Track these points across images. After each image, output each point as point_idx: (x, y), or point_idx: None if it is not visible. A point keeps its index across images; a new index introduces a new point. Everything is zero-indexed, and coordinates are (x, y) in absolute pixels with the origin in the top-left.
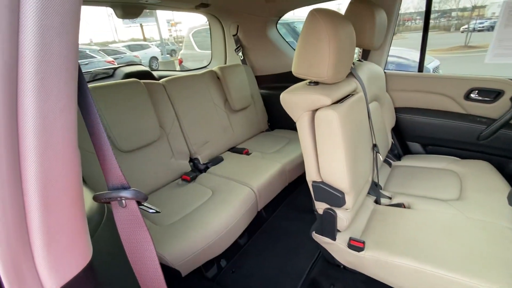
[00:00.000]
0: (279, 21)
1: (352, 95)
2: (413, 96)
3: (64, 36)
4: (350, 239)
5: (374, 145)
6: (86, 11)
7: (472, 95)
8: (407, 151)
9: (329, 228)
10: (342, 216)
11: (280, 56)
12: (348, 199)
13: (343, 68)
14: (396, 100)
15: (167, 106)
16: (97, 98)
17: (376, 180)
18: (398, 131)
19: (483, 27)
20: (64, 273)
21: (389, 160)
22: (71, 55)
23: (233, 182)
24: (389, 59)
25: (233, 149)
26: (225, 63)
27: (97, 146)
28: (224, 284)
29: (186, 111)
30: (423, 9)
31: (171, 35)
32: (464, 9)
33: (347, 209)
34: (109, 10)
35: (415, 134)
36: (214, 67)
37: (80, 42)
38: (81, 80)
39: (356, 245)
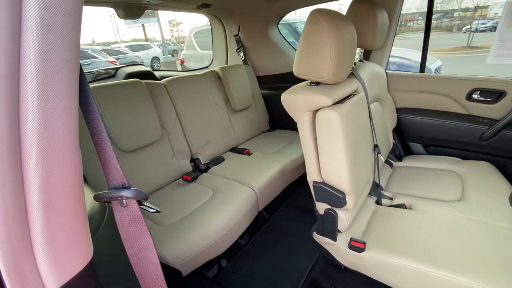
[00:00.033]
0: (280, 22)
1: (353, 95)
2: (414, 96)
3: (66, 37)
4: (351, 239)
5: (375, 146)
6: (89, 11)
7: (474, 95)
8: (408, 152)
9: (330, 228)
10: (343, 217)
11: (281, 56)
12: (349, 199)
13: (344, 69)
14: (397, 100)
15: (169, 106)
16: (99, 98)
17: (377, 181)
18: (399, 131)
19: (485, 27)
20: (65, 272)
21: (390, 160)
22: (72, 55)
23: (234, 182)
24: (391, 59)
25: (234, 149)
26: (227, 63)
27: (98, 146)
28: (224, 284)
29: (187, 111)
30: (425, 9)
31: (172, 36)
32: (466, 10)
33: (348, 210)
34: (111, 10)
35: (417, 135)
36: (216, 67)
37: (82, 42)
38: (82, 80)
39: (357, 246)
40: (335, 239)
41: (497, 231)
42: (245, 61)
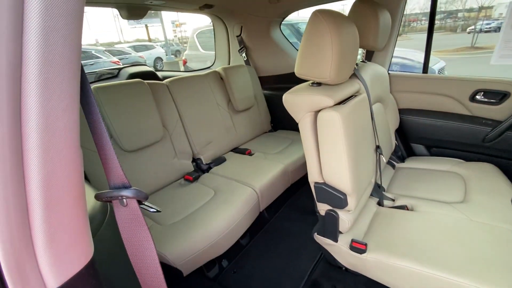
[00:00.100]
0: (283, 22)
1: (355, 96)
2: (417, 97)
3: (67, 37)
4: (352, 241)
5: (377, 147)
6: (93, 12)
7: (477, 96)
8: (411, 153)
9: (331, 229)
10: (344, 218)
11: (284, 57)
12: (351, 200)
13: (346, 69)
14: (400, 101)
15: (171, 107)
16: (102, 98)
17: (379, 182)
18: (402, 132)
19: (490, 28)
20: (65, 270)
21: (392, 162)
22: (74, 55)
23: (235, 183)
24: (394, 60)
25: (236, 150)
26: (229, 64)
27: (99, 146)
28: (225, 284)
29: (189, 112)
30: (429, 10)
31: (175, 36)
32: (470, 10)
33: (349, 211)
34: (115, 11)
35: (419, 136)
36: (218, 67)
37: (86, 42)
38: (84, 80)
39: (358, 247)
40: (336, 240)
41: (499, 233)
42: (247, 62)
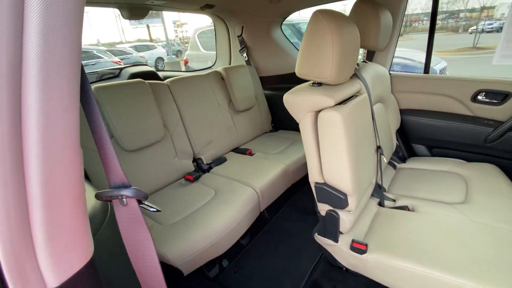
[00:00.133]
0: (284, 22)
1: (356, 96)
2: (418, 97)
3: (67, 36)
4: (353, 241)
5: (378, 147)
6: (94, 12)
7: (479, 97)
8: (412, 153)
9: (332, 230)
10: (345, 218)
11: (285, 57)
12: (351, 201)
13: (346, 69)
14: (401, 101)
15: (172, 106)
16: (103, 98)
17: (380, 182)
18: (403, 133)
19: (492, 28)
20: (65, 270)
21: (393, 162)
22: (74, 55)
23: (236, 183)
24: (395, 60)
25: (237, 150)
26: (230, 64)
27: (99, 145)
28: (225, 284)
29: (190, 111)
30: (430, 10)
31: (177, 36)
32: (472, 10)
33: (350, 211)
34: (117, 11)
35: (421, 136)
36: (219, 67)
37: (87, 42)
38: (84, 80)
39: (358, 248)
40: (336, 241)
41: (501, 234)
42: (248, 62)
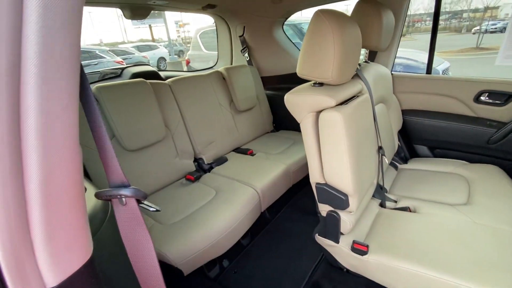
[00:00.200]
0: (286, 22)
1: (358, 96)
2: (421, 98)
3: (67, 35)
4: (354, 242)
5: (380, 148)
6: (97, 12)
7: (482, 97)
8: (414, 154)
9: (333, 230)
10: (346, 219)
11: (286, 57)
12: (352, 201)
13: (348, 69)
14: (403, 102)
15: (173, 106)
16: (105, 98)
17: (381, 183)
18: (405, 133)
19: (495, 28)
20: (65, 269)
21: (395, 163)
22: (73, 54)
23: (237, 183)
24: (397, 60)
25: (238, 150)
26: (231, 64)
27: (99, 144)
28: (225, 284)
29: (191, 111)
30: (433, 10)
31: (179, 36)
32: (476, 10)
33: (351, 212)
34: (119, 11)
35: (423, 137)
36: (220, 67)
37: (90, 42)
38: (83, 79)
39: (359, 249)
40: (337, 241)
41: (503, 236)
42: (249, 62)
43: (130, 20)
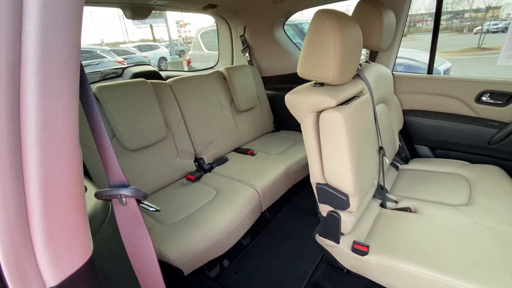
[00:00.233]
0: (287, 22)
1: (358, 96)
2: (422, 98)
3: (66, 35)
4: (354, 242)
5: (381, 148)
6: (98, 12)
7: (483, 98)
8: (415, 155)
9: (333, 231)
10: (346, 219)
11: (287, 57)
12: (353, 202)
13: (349, 69)
14: (404, 102)
15: (173, 106)
16: (105, 97)
17: (382, 183)
18: (406, 134)
19: (497, 28)
20: (64, 268)
21: (396, 163)
22: (73, 53)
23: (237, 183)
24: (399, 60)
25: (238, 150)
26: (232, 64)
27: (99, 144)
28: (226, 284)
29: (192, 111)
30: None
31: (180, 36)
32: (477, 10)
33: (351, 212)
34: (120, 11)
35: (424, 137)
36: (221, 67)
37: (91, 42)
38: (83, 79)
39: (360, 249)
40: (338, 242)
41: (505, 237)
42: (250, 62)
43: (131, 20)
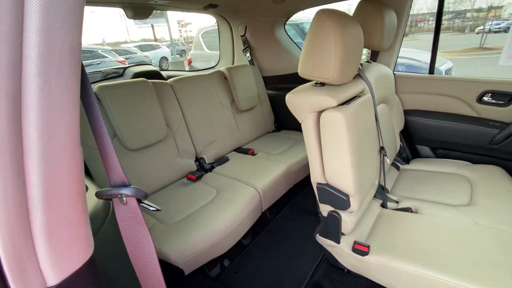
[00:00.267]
0: (288, 22)
1: (359, 96)
2: (423, 98)
3: (67, 35)
4: (355, 242)
5: (382, 148)
6: (100, 11)
7: (485, 98)
8: (416, 155)
9: (334, 231)
10: (347, 219)
11: (288, 57)
12: (353, 202)
13: (349, 69)
14: (405, 102)
15: (174, 106)
16: (106, 97)
17: (383, 183)
18: (407, 134)
19: (499, 28)
20: (65, 267)
21: (397, 163)
22: (74, 53)
23: (238, 182)
24: (400, 60)
25: (239, 150)
26: (233, 64)
27: (99, 143)
28: (226, 284)
29: (193, 111)
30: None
31: (181, 36)
32: (479, 10)
33: (352, 212)
34: (121, 11)
35: (425, 137)
36: (222, 67)
37: (93, 42)
38: (84, 78)
39: (360, 249)
40: (338, 242)
41: (506, 237)
42: (251, 62)
43: (132, 20)
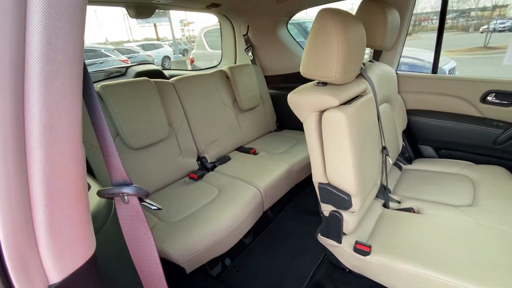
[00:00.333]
0: (290, 21)
1: (362, 96)
2: (426, 98)
3: (70, 35)
4: (356, 242)
5: (384, 148)
6: (103, 11)
7: (488, 98)
8: (418, 155)
9: (335, 230)
10: (349, 219)
11: (290, 56)
12: (355, 201)
13: (352, 69)
14: (408, 102)
15: (177, 105)
16: (109, 96)
17: (385, 183)
18: (410, 133)
19: (504, 27)
20: (68, 265)
21: (399, 163)
22: (76, 53)
23: (239, 182)
24: (403, 60)
25: (241, 149)
26: (235, 63)
27: (101, 143)
28: (228, 283)
29: (195, 110)
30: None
31: (183, 35)
32: (484, 9)
33: (353, 212)
34: (124, 10)
35: (428, 137)
36: (224, 66)
37: (96, 41)
38: (86, 78)
39: (362, 249)
40: (340, 242)
41: (509, 238)
42: (253, 61)
43: (135, 19)
